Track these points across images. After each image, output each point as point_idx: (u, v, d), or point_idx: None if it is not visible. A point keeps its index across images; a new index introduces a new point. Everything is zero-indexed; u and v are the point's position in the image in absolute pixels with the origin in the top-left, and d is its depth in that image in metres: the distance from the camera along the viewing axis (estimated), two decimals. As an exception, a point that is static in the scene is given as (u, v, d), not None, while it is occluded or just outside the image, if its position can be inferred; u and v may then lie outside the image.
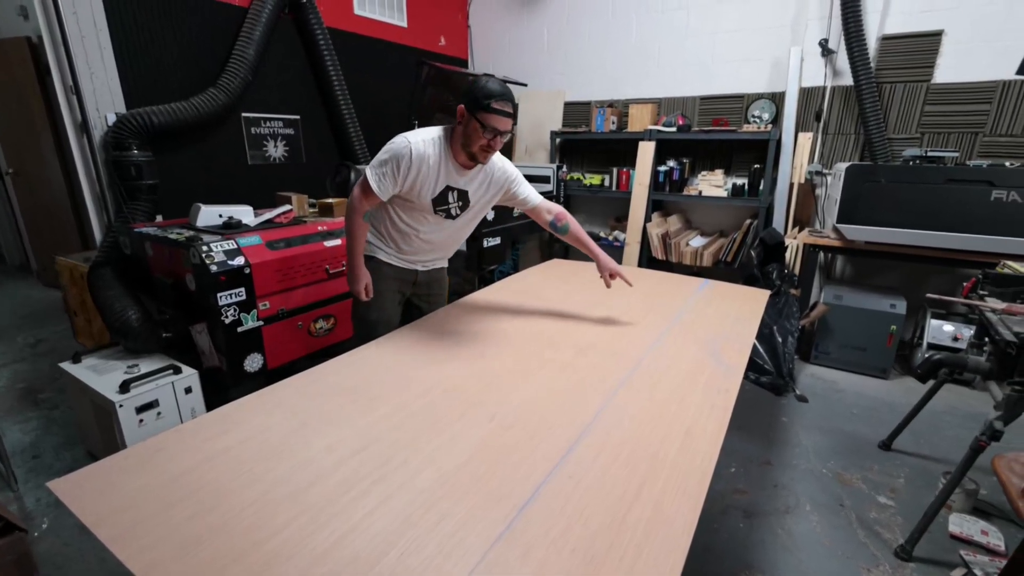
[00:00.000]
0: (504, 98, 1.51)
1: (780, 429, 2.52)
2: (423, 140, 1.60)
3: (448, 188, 1.69)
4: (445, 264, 2.03)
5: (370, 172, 1.63)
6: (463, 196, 1.74)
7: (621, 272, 1.84)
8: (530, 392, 1.34)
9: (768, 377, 2.91)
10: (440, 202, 1.71)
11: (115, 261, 2.45)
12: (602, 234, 4.45)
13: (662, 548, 0.84)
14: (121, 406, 1.93)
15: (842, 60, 3.33)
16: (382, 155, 1.62)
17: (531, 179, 3.98)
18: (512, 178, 1.80)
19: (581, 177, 4.37)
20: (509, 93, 1.54)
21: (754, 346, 2.93)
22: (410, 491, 0.96)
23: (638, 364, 1.50)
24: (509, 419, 1.21)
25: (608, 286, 1.84)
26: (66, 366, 2.15)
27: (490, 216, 3.18)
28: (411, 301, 1.99)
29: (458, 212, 1.77)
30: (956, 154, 2.83)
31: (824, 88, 3.45)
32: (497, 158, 1.75)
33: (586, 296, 2.09)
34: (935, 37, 3.09)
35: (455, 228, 1.83)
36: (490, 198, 1.81)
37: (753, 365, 2.95)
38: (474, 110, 1.52)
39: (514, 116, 1.57)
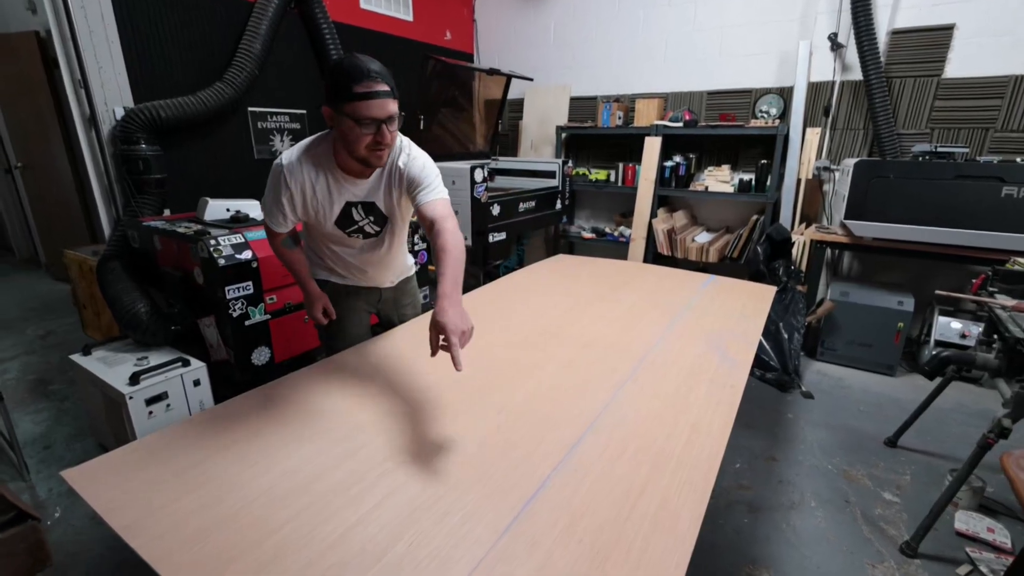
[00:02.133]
0: (370, 76, 1.15)
1: (786, 425, 2.52)
2: (297, 158, 1.32)
3: (349, 204, 1.40)
4: (411, 273, 1.82)
5: (262, 206, 1.43)
6: (371, 209, 1.43)
7: (451, 341, 1.02)
8: (536, 386, 1.34)
9: (774, 373, 2.90)
10: (346, 223, 1.42)
11: (124, 255, 2.47)
12: (607, 229, 4.44)
13: (669, 541, 0.84)
14: (131, 398, 1.95)
15: (851, 54, 3.29)
16: (267, 184, 1.38)
17: (536, 174, 4.05)
18: (408, 173, 1.37)
19: (587, 172, 4.36)
20: (376, 67, 1.17)
21: (760, 342, 2.91)
22: (418, 483, 0.97)
23: (644, 359, 1.51)
24: (515, 413, 1.22)
25: (432, 352, 1.07)
26: (76, 358, 2.17)
27: (496, 211, 3.18)
28: (381, 312, 1.79)
29: (376, 230, 1.48)
30: (966, 150, 2.80)
31: (833, 83, 3.42)
32: (399, 146, 1.38)
33: (592, 291, 2.09)
34: (946, 31, 3.05)
35: (387, 244, 1.54)
36: (399, 199, 1.45)
37: (759, 361, 2.94)
38: (338, 104, 1.18)
39: (393, 92, 1.20)
